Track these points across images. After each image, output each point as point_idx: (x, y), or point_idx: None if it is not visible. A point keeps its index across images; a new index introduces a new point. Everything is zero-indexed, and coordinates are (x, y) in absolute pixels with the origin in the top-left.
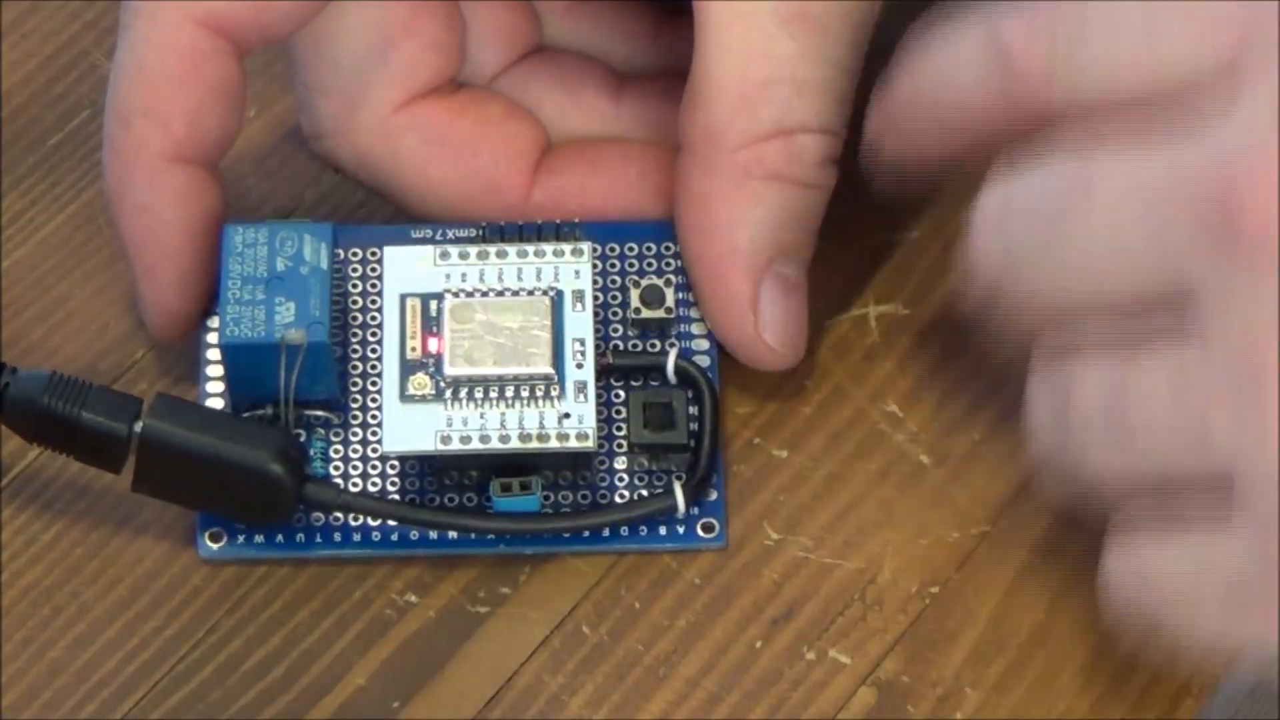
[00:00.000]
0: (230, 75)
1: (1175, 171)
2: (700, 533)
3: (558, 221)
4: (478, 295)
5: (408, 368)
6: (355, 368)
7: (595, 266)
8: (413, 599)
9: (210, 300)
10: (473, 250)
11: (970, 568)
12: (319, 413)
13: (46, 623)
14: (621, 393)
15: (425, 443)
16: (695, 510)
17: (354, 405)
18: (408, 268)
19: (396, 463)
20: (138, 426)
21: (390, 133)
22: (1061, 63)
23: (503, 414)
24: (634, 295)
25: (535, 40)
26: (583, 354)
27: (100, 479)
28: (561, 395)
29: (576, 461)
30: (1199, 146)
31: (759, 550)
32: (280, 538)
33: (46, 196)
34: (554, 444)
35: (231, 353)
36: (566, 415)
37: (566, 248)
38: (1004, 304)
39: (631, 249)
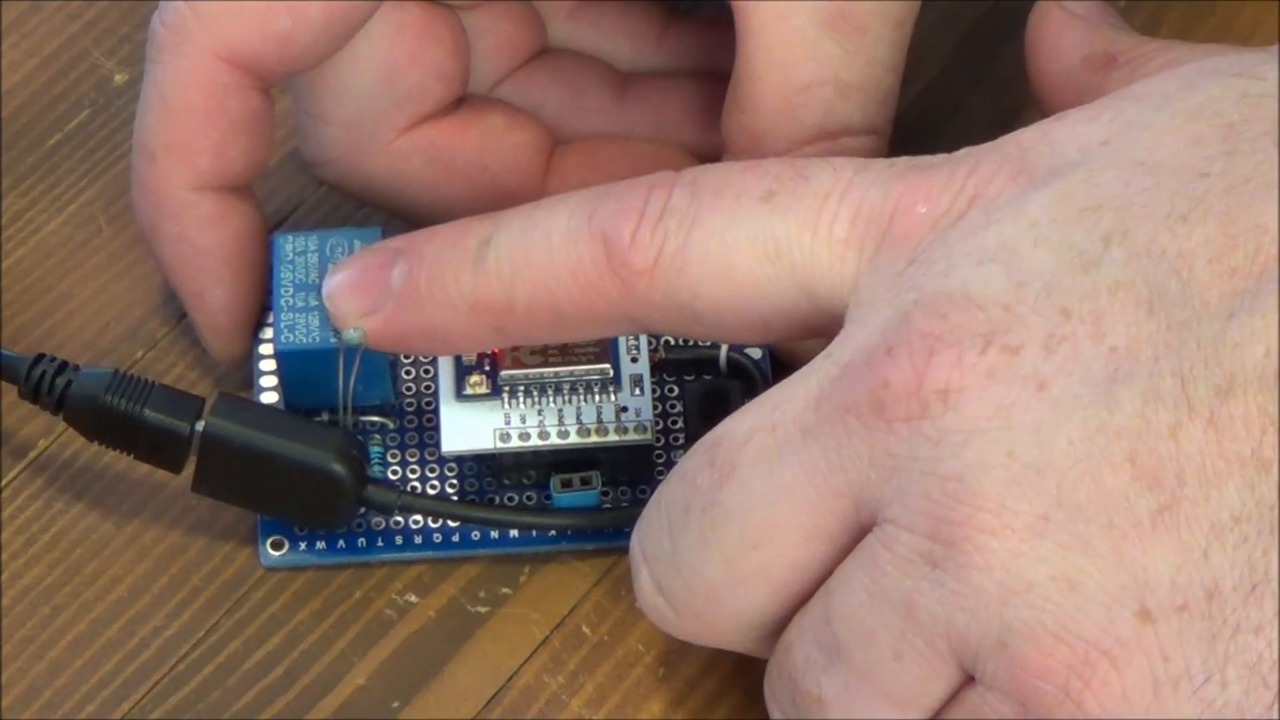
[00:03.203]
0: (254, 108)
1: (814, 398)
2: None
3: None
4: None
5: (463, 368)
6: (409, 372)
7: None
8: (413, 599)
9: (264, 313)
10: None
11: None
12: (374, 418)
13: (46, 623)
14: (675, 387)
15: (484, 441)
16: None
17: (409, 409)
18: None
19: (454, 465)
20: (200, 425)
21: (395, 157)
22: (667, 261)
23: (560, 410)
24: None
25: (539, 45)
26: (637, 348)
27: (100, 480)
28: (618, 389)
29: (634, 456)
30: (826, 369)
31: None
32: (341, 543)
33: (46, 196)
34: (613, 437)
35: (287, 359)
36: (624, 409)
37: None
38: (686, 634)
39: None
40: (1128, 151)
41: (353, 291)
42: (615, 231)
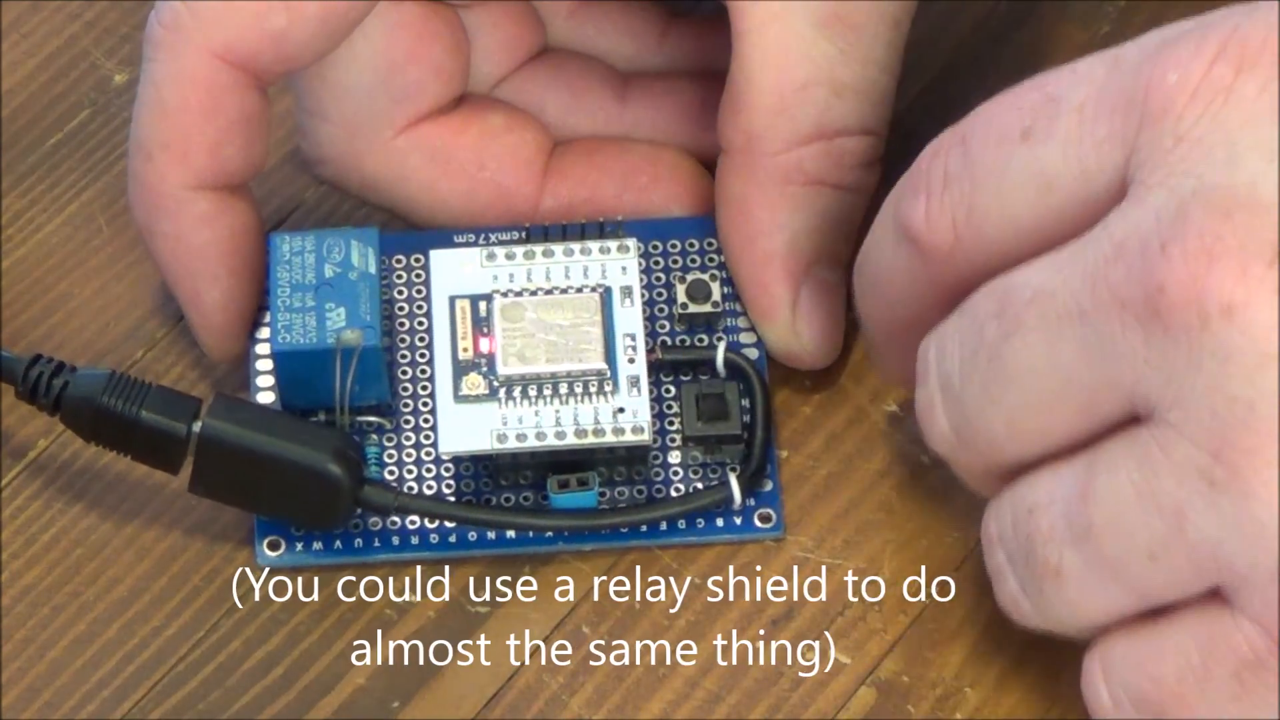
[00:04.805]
0: (251, 106)
1: (1090, 276)
2: (758, 523)
3: (601, 221)
4: (526, 294)
5: (460, 368)
6: (405, 372)
7: (640, 264)
8: (413, 599)
9: (260, 313)
10: (519, 250)
11: (970, 568)
12: (371, 418)
13: (46, 623)
14: (672, 388)
15: (481, 442)
16: (751, 501)
17: (405, 409)
18: (455, 270)
19: (451, 465)
20: (197, 426)
21: (395, 155)
22: (964, 231)
23: (557, 411)
24: (680, 291)
25: (539, 44)
26: (634, 349)
27: (100, 480)
28: (615, 390)
29: (631, 457)
30: (1101, 245)
31: (759, 550)
32: (338, 543)
33: (46, 196)
34: (610, 438)
35: (284, 360)
36: (621, 410)
37: (613, 244)
38: (957, 463)
39: (674, 245)
40: None
41: None
42: (911, 220)
